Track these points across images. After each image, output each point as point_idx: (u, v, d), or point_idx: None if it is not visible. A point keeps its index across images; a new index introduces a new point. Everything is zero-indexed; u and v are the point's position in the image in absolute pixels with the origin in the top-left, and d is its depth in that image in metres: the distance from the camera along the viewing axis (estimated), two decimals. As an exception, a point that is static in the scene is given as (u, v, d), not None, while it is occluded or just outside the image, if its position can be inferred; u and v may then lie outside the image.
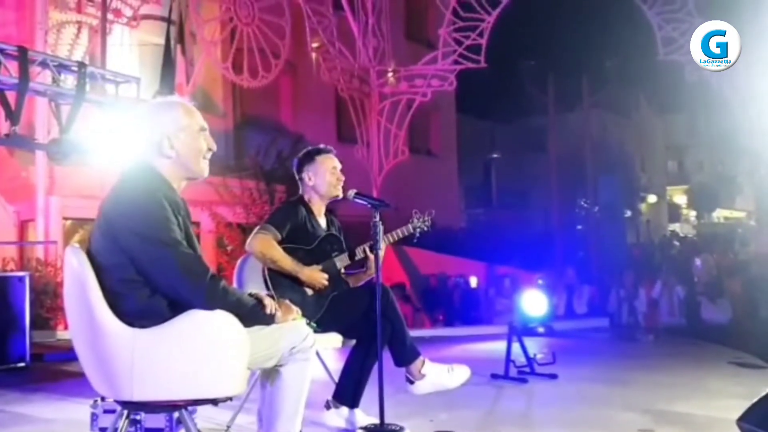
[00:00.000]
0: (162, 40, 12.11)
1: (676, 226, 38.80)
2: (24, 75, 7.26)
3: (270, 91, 14.98)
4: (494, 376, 6.46)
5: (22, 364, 7.43)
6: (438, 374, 4.29)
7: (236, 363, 2.79)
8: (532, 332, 9.90)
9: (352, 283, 4.52)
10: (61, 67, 7.92)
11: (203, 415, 3.84)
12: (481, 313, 14.26)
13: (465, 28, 14.06)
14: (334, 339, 4.29)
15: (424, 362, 4.26)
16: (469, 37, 13.97)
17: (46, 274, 10.84)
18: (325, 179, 4.46)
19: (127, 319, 2.72)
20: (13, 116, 7.32)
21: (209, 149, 3.00)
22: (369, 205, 4.25)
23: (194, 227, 3.00)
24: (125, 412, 2.87)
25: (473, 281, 15.23)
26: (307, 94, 17.33)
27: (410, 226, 4.53)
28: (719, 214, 41.84)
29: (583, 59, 25.72)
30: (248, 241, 4.28)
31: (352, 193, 4.40)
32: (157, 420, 3.55)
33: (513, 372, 6.49)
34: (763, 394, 4.44)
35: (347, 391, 4.31)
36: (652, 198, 38.11)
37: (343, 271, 4.48)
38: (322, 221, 4.51)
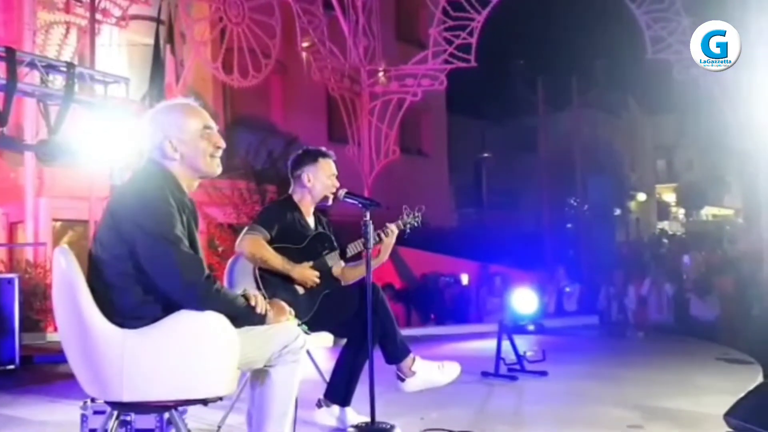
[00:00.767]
0: (151, 40, 12.08)
1: (665, 224, 38.95)
2: (12, 76, 7.24)
3: (260, 91, 14.98)
4: (485, 374, 6.48)
5: (11, 367, 7.38)
6: (428, 371, 4.31)
7: (226, 363, 2.80)
8: (522, 330, 9.93)
9: (349, 275, 4.53)
10: (50, 67, 7.90)
11: (193, 415, 3.84)
12: (473, 311, 14.29)
13: (455, 27, 14.08)
14: (325, 338, 4.31)
15: (414, 359, 4.28)
16: (459, 37, 14.00)
17: (35, 276, 10.80)
18: (323, 183, 4.46)
19: (119, 317, 2.73)
20: (1, 117, 7.29)
21: (217, 147, 3.01)
22: (360, 205, 4.27)
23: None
24: (115, 413, 2.87)
25: (464, 279, 15.26)
26: (297, 93, 17.32)
27: (400, 223, 4.56)
28: (708, 212, 42.03)
29: (573, 59, 25.84)
30: (238, 241, 4.29)
31: (342, 192, 4.42)
32: (148, 421, 3.54)
33: (503, 370, 6.51)
34: (750, 389, 4.49)
35: (338, 390, 4.33)
36: (641, 196, 38.22)
37: (342, 264, 4.50)
38: (311, 220, 4.52)
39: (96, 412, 3.61)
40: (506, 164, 30.67)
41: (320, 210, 4.59)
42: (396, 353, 4.26)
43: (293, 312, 3.13)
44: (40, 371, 7.56)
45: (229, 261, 4.61)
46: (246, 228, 4.35)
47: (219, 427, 4.24)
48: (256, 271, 4.23)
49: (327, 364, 4.72)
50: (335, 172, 4.51)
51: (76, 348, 2.81)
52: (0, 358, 7.38)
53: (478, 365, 6.59)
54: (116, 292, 2.76)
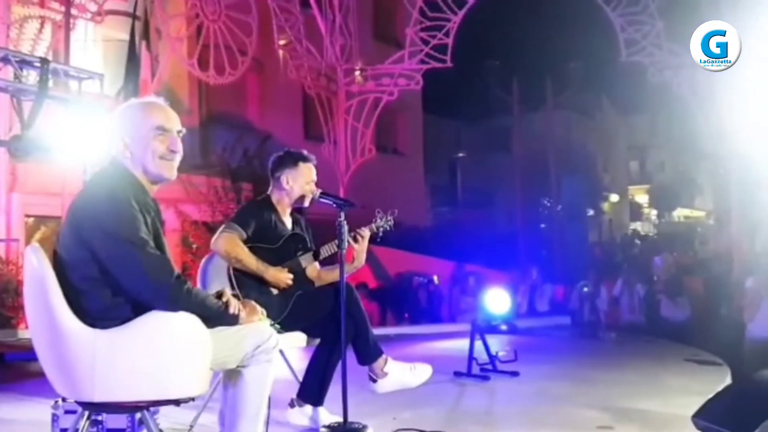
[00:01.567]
0: (127, 36, 12.00)
1: (637, 225, 39.36)
2: (-15, 71, 7.18)
3: (236, 88, 14.92)
4: (457, 374, 6.51)
5: (-19, 364, 7.34)
6: (400, 373, 4.33)
7: (199, 364, 2.80)
8: (495, 330, 9.97)
9: (325, 278, 4.54)
10: (24, 62, 7.81)
11: (165, 414, 3.83)
12: (446, 311, 14.34)
13: (432, 27, 14.11)
14: (299, 338, 4.32)
15: (386, 361, 4.30)
16: (436, 37, 14.03)
17: (7, 273, 10.69)
18: (301, 188, 4.46)
19: (89, 320, 2.71)
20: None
21: (171, 150, 2.92)
22: (334, 205, 4.29)
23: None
24: (86, 413, 2.87)
25: (435, 279, 15.30)
26: (273, 91, 17.27)
27: (373, 226, 4.57)
28: (679, 214, 42.50)
29: (548, 60, 25.94)
30: (213, 240, 4.29)
31: (317, 192, 4.44)
32: (119, 420, 3.54)
33: (476, 369, 6.55)
34: (718, 391, 4.56)
35: (311, 390, 4.34)
36: (614, 197, 38.59)
37: (317, 266, 4.51)
38: (288, 221, 4.53)
39: (67, 412, 3.59)
40: (481, 164, 30.85)
41: (297, 210, 4.60)
42: (368, 354, 4.28)
43: (265, 312, 3.13)
44: (12, 369, 7.48)
45: (204, 259, 4.60)
46: (223, 226, 4.35)
47: (191, 426, 4.23)
48: (230, 271, 4.23)
49: (300, 363, 4.73)
50: (314, 178, 4.50)
51: (47, 348, 2.80)
52: (-30, 356, 7.32)
53: (451, 365, 6.62)
54: (84, 295, 2.75)
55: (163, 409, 3.20)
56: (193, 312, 2.77)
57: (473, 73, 24.36)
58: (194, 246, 13.08)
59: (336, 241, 4.24)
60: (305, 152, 4.56)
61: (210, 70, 12.29)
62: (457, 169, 29.85)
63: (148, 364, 2.72)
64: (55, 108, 8.12)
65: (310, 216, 4.81)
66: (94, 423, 3.25)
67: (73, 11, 11.63)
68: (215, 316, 2.87)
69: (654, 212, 42.84)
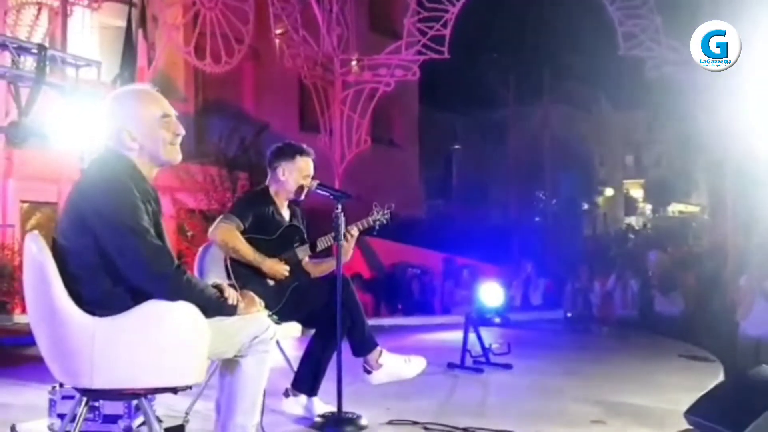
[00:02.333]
0: (123, 23, 11.95)
1: (632, 219, 39.35)
2: (-18, 56, 7.16)
3: (232, 77, 14.89)
4: (450, 366, 6.53)
5: (-24, 348, 7.35)
6: (395, 364, 4.35)
7: (197, 353, 2.81)
8: (488, 322, 10.00)
9: (312, 271, 4.56)
10: (21, 49, 7.81)
11: (161, 402, 3.86)
12: (440, 302, 14.37)
13: (429, 18, 14.10)
14: (294, 328, 4.34)
15: (381, 352, 4.32)
16: (433, 28, 14.02)
17: (3, 258, 10.71)
18: (297, 181, 4.45)
19: (88, 307, 2.72)
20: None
21: (176, 134, 2.96)
22: (331, 196, 4.30)
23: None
24: (84, 399, 2.88)
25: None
26: (270, 80, 17.24)
27: (370, 219, 4.58)
28: (674, 208, 42.50)
29: (545, 54, 25.91)
30: (211, 229, 4.30)
31: (314, 183, 4.44)
32: (116, 407, 3.56)
33: (469, 362, 6.57)
34: (710, 387, 4.59)
35: (306, 380, 4.36)
36: (609, 191, 38.61)
37: (307, 260, 4.52)
38: (285, 212, 4.54)
39: (65, 397, 3.62)
40: (476, 157, 30.81)
41: (294, 201, 4.60)
42: (363, 346, 4.30)
43: (263, 303, 3.15)
44: (8, 353, 7.48)
45: (201, 249, 4.61)
46: (221, 216, 4.36)
47: (187, 413, 4.25)
48: (227, 261, 4.24)
49: (294, 352, 4.75)
50: (311, 172, 4.48)
51: (46, 334, 2.81)
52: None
53: (445, 356, 6.64)
54: (83, 283, 2.75)
55: (158, 395, 3.21)
56: (192, 302, 2.78)
57: (470, 65, 24.35)
58: (190, 234, 13.10)
59: (333, 234, 4.25)
60: (304, 146, 4.55)
61: (206, 58, 12.28)
62: (453, 162, 29.85)
63: (146, 352, 2.73)
64: (52, 95, 8.12)
65: (304, 206, 4.81)
66: (92, 409, 3.27)
67: (70, -3, 11.61)
68: (214, 306, 2.88)
69: (649, 207, 42.86)
